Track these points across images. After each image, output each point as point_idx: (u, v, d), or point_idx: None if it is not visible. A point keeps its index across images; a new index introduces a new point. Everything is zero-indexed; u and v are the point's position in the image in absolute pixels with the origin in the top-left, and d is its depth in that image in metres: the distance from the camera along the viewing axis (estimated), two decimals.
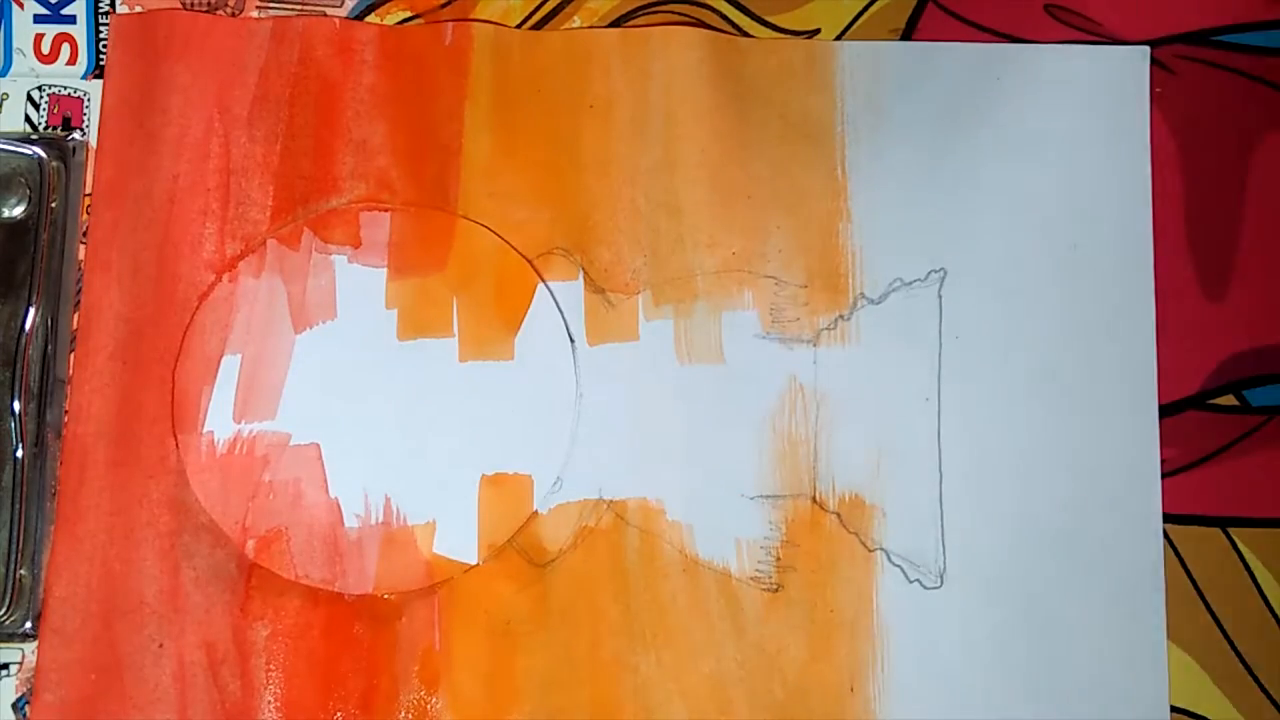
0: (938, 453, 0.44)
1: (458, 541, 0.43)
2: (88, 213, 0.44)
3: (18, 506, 0.42)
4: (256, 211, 0.44)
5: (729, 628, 0.42)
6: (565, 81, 0.45)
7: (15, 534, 0.42)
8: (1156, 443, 0.44)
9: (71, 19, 0.46)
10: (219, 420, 0.43)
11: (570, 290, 0.44)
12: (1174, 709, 0.42)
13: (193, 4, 0.46)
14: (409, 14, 0.46)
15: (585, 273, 0.44)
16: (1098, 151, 0.45)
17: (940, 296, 0.44)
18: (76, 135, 0.45)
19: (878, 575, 0.43)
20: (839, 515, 0.43)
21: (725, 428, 0.44)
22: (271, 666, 0.42)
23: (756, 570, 0.43)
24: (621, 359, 0.44)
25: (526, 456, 0.43)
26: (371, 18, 0.46)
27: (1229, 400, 0.44)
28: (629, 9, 0.46)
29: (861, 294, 0.44)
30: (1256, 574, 0.43)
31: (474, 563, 0.43)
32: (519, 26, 0.46)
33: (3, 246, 0.43)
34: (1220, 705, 0.43)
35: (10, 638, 0.42)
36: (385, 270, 0.44)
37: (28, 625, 0.42)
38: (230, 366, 0.43)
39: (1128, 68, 0.46)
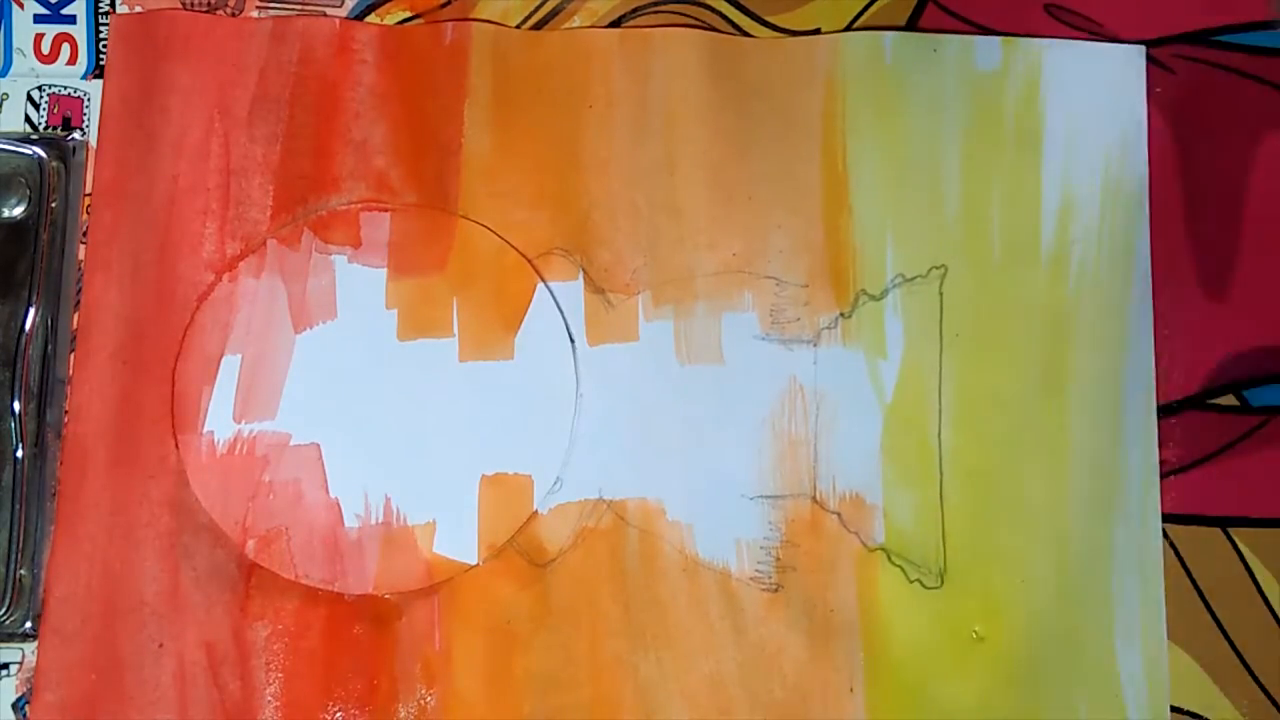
0: (938, 453, 0.44)
1: (458, 541, 0.43)
2: (88, 213, 0.44)
3: (18, 506, 0.42)
4: (256, 211, 0.44)
5: (729, 628, 0.42)
6: (565, 81, 0.45)
7: (15, 534, 0.42)
8: (1156, 443, 0.44)
9: (71, 19, 0.46)
10: (219, 420, 0.43)
11: (570, 290, 0.44)
12: (1174, 709, 0.42)
13: (193, 4, 0.46)
14: (409, 14, 0.46)
15: (585, 273, 0.44)
16: (1096, 149, 0.45)
17: (941, 294, 0.44)
18: (76, 135, 0.45)
19: (878, 575, 0.43)
20: (839, 515, 0.43)
21: (725, 428, 0.44)
22: (271, 666, 0.42)
23: (756, 570, 0.43)
24: (621, 359, 0.44)
25: (526, 456, 0.43)
26: (371, 18, 0.46)
27: (1229, 400, 0.44)
28: (629, 9, 0.46)
29: (863, 291, 0.44)
30: (1256, 574, 0.43)
31: (474, 563, 0.43)
32: (519, 26, 0.46)
33: (3, 246, 0.43)
34: (1220, 705, 0.43)
35: (10, 638, 0.42)
36: (385, 270, 0.44)
37: (28, 625, 0.42)
38: (230, 366, 0.43)
39: (1124, 66, 0.46)
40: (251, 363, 0.43)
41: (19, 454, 0.42)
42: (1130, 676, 0.42)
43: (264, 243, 0.44)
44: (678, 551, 0.43)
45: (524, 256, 0.44)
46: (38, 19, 0.46)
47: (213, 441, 0.43)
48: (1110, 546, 0.43)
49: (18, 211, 0.43)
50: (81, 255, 0.44)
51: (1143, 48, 0.46)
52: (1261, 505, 0.44)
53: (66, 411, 0.43)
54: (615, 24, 0.46)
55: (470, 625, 0.42)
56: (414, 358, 0.44)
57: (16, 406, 0.42)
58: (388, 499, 0.43)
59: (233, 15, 0.46)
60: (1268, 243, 0.45)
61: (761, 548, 0.43)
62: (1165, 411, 0.44)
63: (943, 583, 0.43)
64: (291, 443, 0.43)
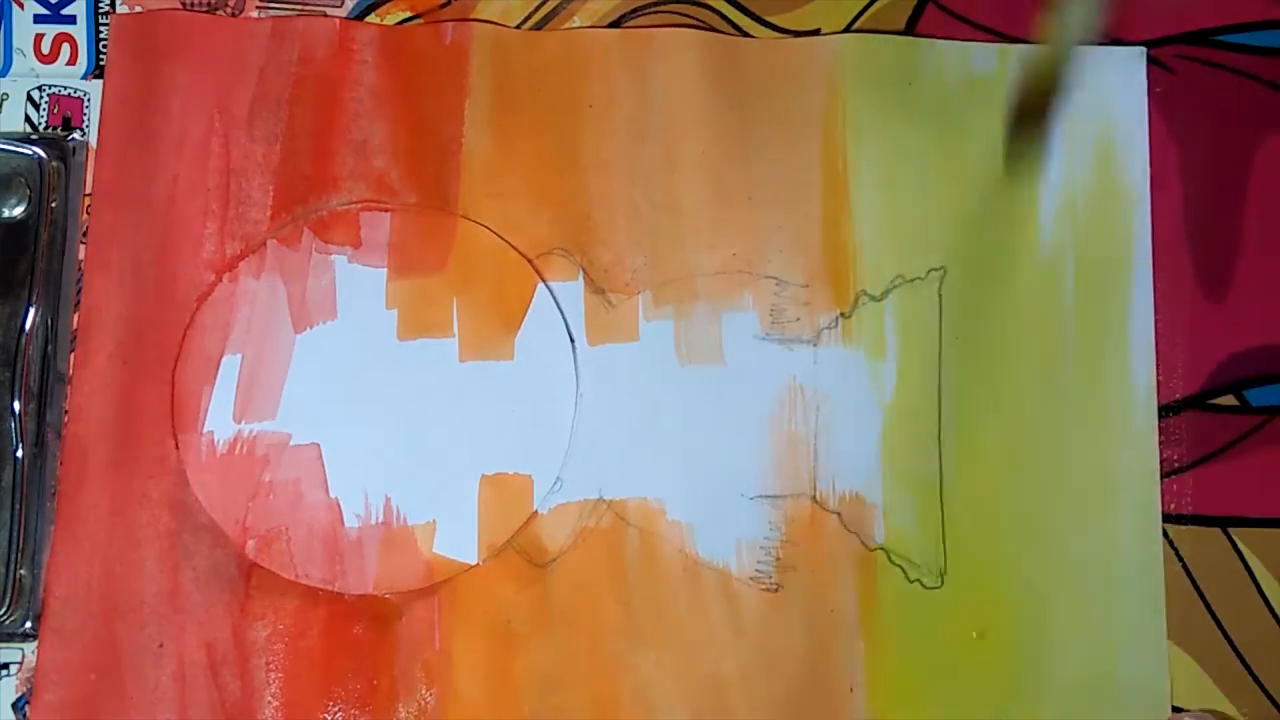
0: (938, 452, 0.44)
1: (458, 541, 0.43)
2: (88, 213, 0.44)
3: (18, 506, 0.42)
4: (256, 211, 0.44)
5: (729, 628, 0.42)
6: (565, 81, 0.45)
7: (15, 534, 0.42)
8: (1156, 443, 0.44)
9: (71, 19, 0.46)
10: (219, 420, 0.43)
11: (570, 290, 0.44)
12: (1174, 709, 0.42)
13: (193, 4, 0.46)
14: (409, 14, 0.46)
15: (585, 273, 0.44)
16: (1095, 149, 0.45)
17: (940, 295, 0.44)
18: (76, 135, 0.45)
19: (878, 575, 0.43)
20: (839, 515, 0.43)
21: (725, 428, 0.44)
22: (271, 666, 0.42)
23: (756, 570, 0.43)
24: (621, 359, 0.44)
25: (526, 456, 0.43)
26: (371, 18, 0.46)
27: (1229, 400, 0.44)
28: (629, 9, 0.46)
29: (863, 291, 0.44)
30: (1256, 574, 0.43)
31: (474, 563, 0.43)
32: (519, 26, 0.46)
33: (3, 246, 0.43)
34: (1220, 705, 0.43)
35: (10, 638, 0.42)
36: (385, 270, 0.44)
37: (28, 625, 0.42)
38: (230, 366, 0.43)
39: (1124, 66, 0.46)
40: (251, 363, 0.43)
41: (19, 454, 0.42)
42: (1130, 676, 0.42)
43: (264, 243, 0.44)
44: (678, 551, 0.43)
45: (524, 256, 0.44)
46: (38, 19, 0.46)
47: (213, 441, 0.43)
48: (1110, 546, 0.43)
49: (18, 211, 0.43)
50: (81, 255, 0.44)
51: (1143, 48, 0.46)
52: (1261, 505, 0.44)
53: (66, 411, 0.43)
54: (615, 24, 0.46)
55: (470, 625, 0.42)
56: (414, 358, 0.44)
57: (16, 406, 0.42)
58: (388, 499, 0.43)
59: (233, 15, 0.46)
60: (1268, 243, 0.45)
61: (761, 548, 0.43)
62: (1165, 411, 0.44)
63: (943, 583, 0.43)
64: (291, 443, 0.43)
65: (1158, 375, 0.44)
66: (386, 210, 0.45)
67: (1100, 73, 0.46)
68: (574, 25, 0.46)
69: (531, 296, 0.44)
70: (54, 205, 0.44)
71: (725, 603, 0.42)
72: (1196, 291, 0.45)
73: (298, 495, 0.43)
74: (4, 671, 0.42)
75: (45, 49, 0.46)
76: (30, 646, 0.42)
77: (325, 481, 0.43)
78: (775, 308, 0.44)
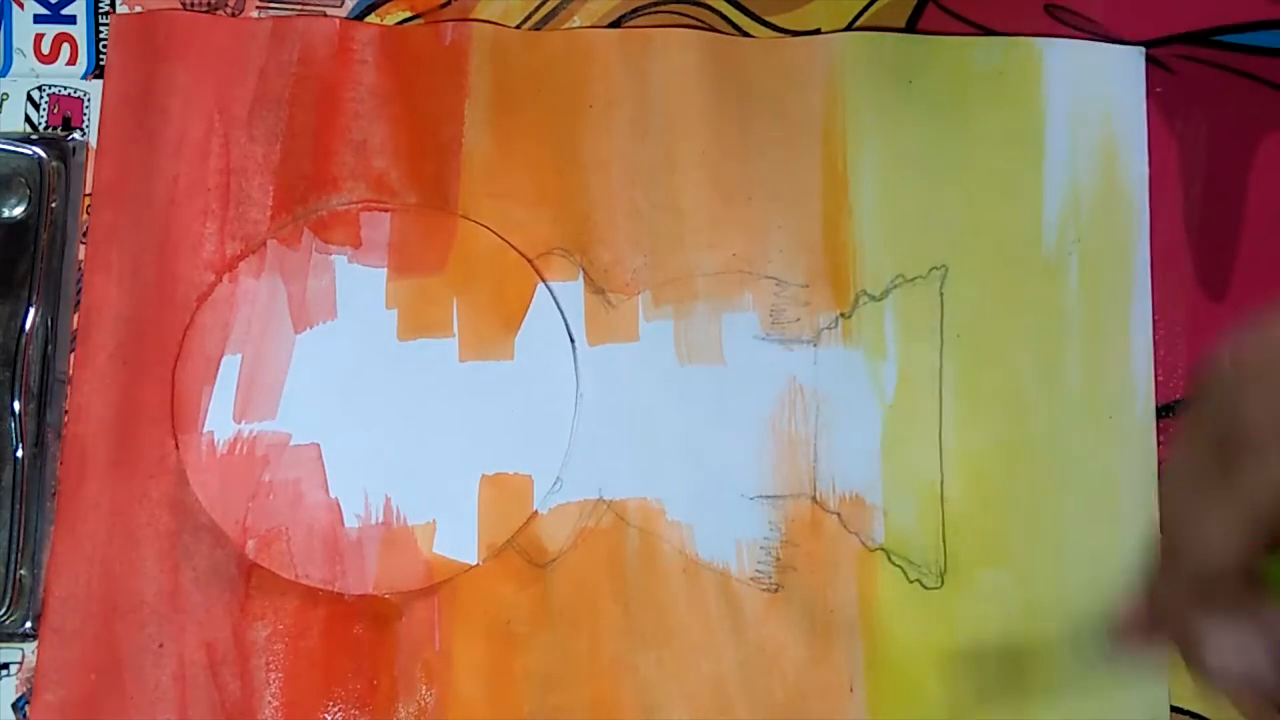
0: (938, 453, 0.44)
1: (458, 541, 0.43)
2: (88, 213, 0.44)
3: (18, 506, 0.42)
4: (256, 211, 0.44)
5: (729, 628, 0.42)
6: (565, 81, 0.45)
7: (15, 534, 0.42)
8: (1155, 443, 0.44)
9: (71, 19, 0.46)
10: (219, 420, 0.43)
11: (570, 290, 0.44)
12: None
13: (193, 4, 0.46)
14: (409, 14, 0.46)
15: (585, 273, 0.44)
16: (1096, 149, 0.45)
17: (941, 294, 0.44)
18: (76, 135, 0.45)
19: (878, 575, 0.43)
20: (839, 515, 0.43)
21: (725, 428, 0.44)
22: (271, 666, 0.42)
23: (756, 570, 0.43)
24: (621, 359, 0.44)
25: (526, 456, 0.43)
26: (371, 18, 0.46)
27: None
28: (629, 9, 0.46)
29: (863, 291, 0.44)
30: None
31: (474, 563, 0.43)
32: (519, 26, 0.46)
33: (3, 246, 0.43)
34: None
35: (10, 638, 0.42)
36: (385, 270, 0.44)
37: (28, 625, 0.42)
38: (230, 366, 0.43)
39: (1124, 66, 0.46)
40: (251, 363, 0.43)
41: (19, 454, 0.42)
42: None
43: (264, 243, 0.44)
44: (678, 552, 0.43)
45: (524, 256, 0.44)
46: (38, 19, 0.46)
47: (213, 441, 0.43)
48: (1110, 546, 0.43)
49: (18, 211, 0.43)
50: (81, 255, 0.44)
51: (1142, 49, 0.46)
52: None
53: (66, 411, 0.43)
54: (615, 24, 0.46)
55: (470, 625, 0.42)
56: (414, 358, 0.44)
57: (16, 406, 0.42)
58: (388, 499, 0.43)
59: (233, 15, 0.46)
60: (1267, 243, 0.45)
61: (761, 548, 0.43)
62: (1165, 411, 0.44)
63: (943, 583, 0.43)
64: (291, 443, 0.43)
65: (1157, 375, 0.44)
66: (386, 210, 0.45)
67: (1100, 73, 0.46)
68: (574, 25, 0.46)
69: (531, 296, 0.44)
70: (54, 205, 0.44)
71: (725, 603, 0.42)
72: (1196, 291, 0.45)
73: (298, 495, 0.43)
74: (4, 671, 0.42)
75: (45, 49, 0.46)
76: (30, 646, 0.42)
77: (325, 481, 0.43)
78: (775, 308, 0.44)
